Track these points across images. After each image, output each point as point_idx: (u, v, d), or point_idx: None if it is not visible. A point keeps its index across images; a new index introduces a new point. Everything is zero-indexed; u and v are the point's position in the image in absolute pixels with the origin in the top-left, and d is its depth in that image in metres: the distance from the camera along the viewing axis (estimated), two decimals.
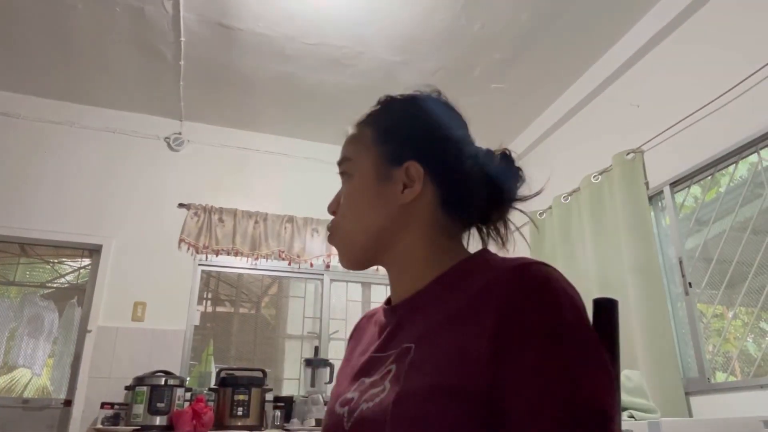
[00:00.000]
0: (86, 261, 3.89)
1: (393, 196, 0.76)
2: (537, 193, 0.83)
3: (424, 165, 0.76)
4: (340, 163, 0.82)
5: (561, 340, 0.57)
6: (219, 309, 4.48)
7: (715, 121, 2.68)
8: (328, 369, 3.72)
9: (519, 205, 0.81)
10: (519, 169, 0.82)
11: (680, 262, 2.83)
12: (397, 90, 0.87)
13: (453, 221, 0.78)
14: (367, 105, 0.85)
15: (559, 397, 0.55)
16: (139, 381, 3.22)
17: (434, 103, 0.83)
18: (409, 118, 0.81)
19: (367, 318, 0.90)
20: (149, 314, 3.65)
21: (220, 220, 3.96)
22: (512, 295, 0.61)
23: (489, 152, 0.82)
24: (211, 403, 3.27)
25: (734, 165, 2.67)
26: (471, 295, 0.65)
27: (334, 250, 3.37)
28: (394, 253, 0.77)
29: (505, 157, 0.82)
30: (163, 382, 3.22)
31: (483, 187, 0.78)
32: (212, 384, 3.50)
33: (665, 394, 2.61)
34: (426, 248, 0.76)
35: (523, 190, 0.81)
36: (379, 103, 0.85)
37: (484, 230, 0.82)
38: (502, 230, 0.82)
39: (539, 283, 0.61)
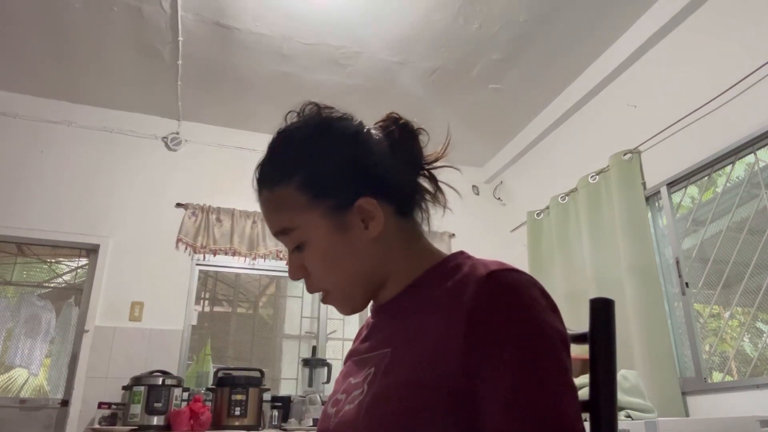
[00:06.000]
0: (83, 261, 3.88)
1: (360, 236, 0.74)
2: (441, 156, 0.81)
3: (370, 192, 0.74)
4: (279, 234, 0.76)
5: (529, 350, 0.60)
6: (216, 309, 4.47)
7: (712, 121, 2.69)
8: (325, 369, 3.72)
9: (434, 166, 0.81)
10: (412, 129, 0.80)
11: (677, 262, 2.84)
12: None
13: (411, 220, 0.79)
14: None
15: (532, 411, 0.57)
16: (137, 381, 3.22)
17: (330, 125, 0.78)
18: (329, 159, 0.75)
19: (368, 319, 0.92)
20: (146, 314, 3.64)
21: (218, 219, 3.96)
22: (481, 300, 0.63)
23: (389, 133, 0.79)
24: (209, 403, 3.27)
25: (731, 165, 2.68)
26: (444, 298, 0.67)
27: None
28: (383, 278, 0.77)
29: (400, 126, 0.80)
30: (160, 382, 3.21)
31: (406, 169, 0.78)
32: (210, 384, 3.50)
33: (662, 393, 2.62)
34: (404, 259, 0.77)
35: (427, 149, 0.81)
36: (274, 151, 0.78)
37: (422, 203, 0.81)
38: (438, 196, 0.81)
39: (507, 289, 0.63)
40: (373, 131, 0.79)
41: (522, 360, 0.59)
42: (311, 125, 0.79)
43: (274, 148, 0.79)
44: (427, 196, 0.80)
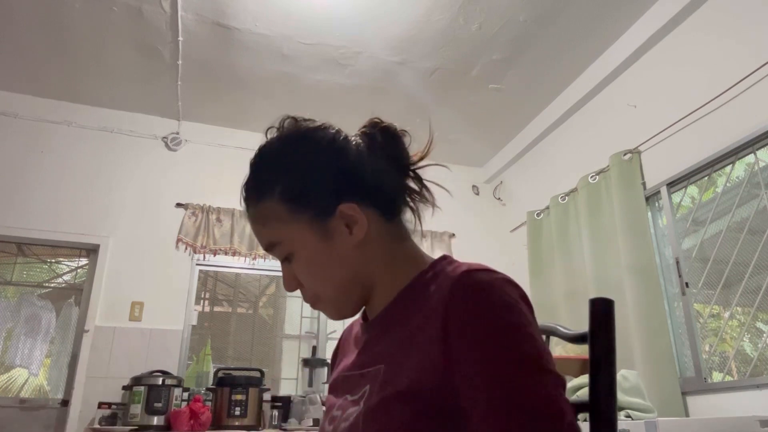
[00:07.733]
0: (83, 261, 3.88)
1: (345, 242, 0.75)
2: (425, 154, 0.81)
3: (351, 198, 0.75)
4: (269, 249, 0.78)
5: (502, 345, 0.61)
6: (217, 309, 4.47)
7: (712, 121, 2.69)
8: (325, 369, 3.72)
9: (421, 165, 0.81)
10: (394, 132, 0.80)
11: (677, 262, 2.84)
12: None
13: (398, 224, 0.80)
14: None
15: (513, 402, 0.58)
16: (137, 381, 3.22)
17: (306, 135, 0.79)
18: (307, 169, 0.76)
19: (348, 331, 0.92)
20: (146, 314, 3.64)
21: (218, 219, 3.96)
22: (454, 300, 0.64)
23: (370, 139, 0.79)
24: (209, 403, 3.27)
25: (731, 165, 2.68)
26: (427, 306, 0.69)
27: None
28: (372, 282, 0.78)
29: (382, 129, 0.80)
30: (160, 382, 3.21)
31: (389, 171, 0.78)
32: (210, 384, 3.50)
33: (662, 393, 2.62)
34: (390, 265, 0.77)
35: (413, 149, 0.81)
36: (255, 168, 0.79)
37: (412, 204, 0.81)
38: (426, 195, 0.81)
39: (478, 287, 0.64)
40: (351, 138, 0.80)
41: (499, 354, 0.60)
42: (289, 138, 0.80)
43: (255, 164, 0.80)
44: (416, 196, 0.81)
